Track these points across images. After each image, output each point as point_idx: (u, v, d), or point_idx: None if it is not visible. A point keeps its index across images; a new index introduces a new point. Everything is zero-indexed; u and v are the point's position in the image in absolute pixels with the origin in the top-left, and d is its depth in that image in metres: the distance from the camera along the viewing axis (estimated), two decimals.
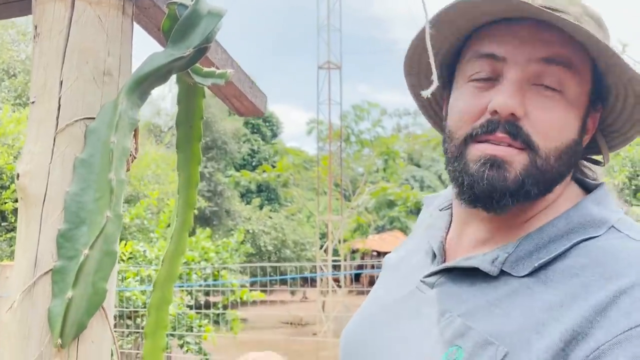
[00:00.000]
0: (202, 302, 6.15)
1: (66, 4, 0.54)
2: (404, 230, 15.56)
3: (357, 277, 20.36)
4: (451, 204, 0.78)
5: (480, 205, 0.64)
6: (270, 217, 19.02)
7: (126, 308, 5.09)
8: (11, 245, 7.46)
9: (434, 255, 0.72)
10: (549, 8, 0.59)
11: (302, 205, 15.39)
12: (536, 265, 0.60)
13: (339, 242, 12.19)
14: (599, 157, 0.74)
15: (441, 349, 0.60)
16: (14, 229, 7.53)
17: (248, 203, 19.22)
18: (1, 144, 7.26)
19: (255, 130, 23.65)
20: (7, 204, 7.10)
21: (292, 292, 20.50)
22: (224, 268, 6.11)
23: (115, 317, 5.24)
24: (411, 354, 0.64)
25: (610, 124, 0.70)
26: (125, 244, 5.65)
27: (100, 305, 0.51)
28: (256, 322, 11.24)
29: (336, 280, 11.88)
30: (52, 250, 0.51)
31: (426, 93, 0.55)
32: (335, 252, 12.15)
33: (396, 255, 0.86)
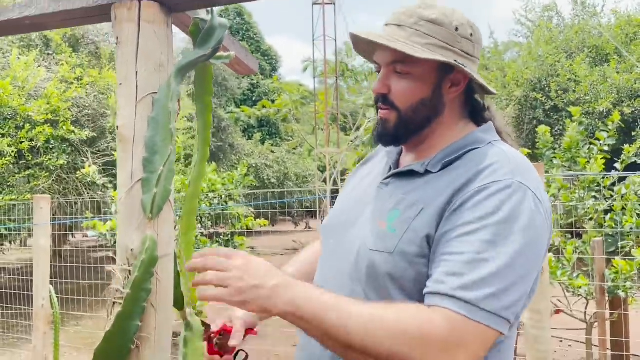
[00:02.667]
0: (211, 232, 6.69)
1: (135, 25, 0.92)
2: None
3: None
4: None
5: (380, 142, 1.14)
6: (273, 152, 19.42)
7: None
8: (29, 182, 7.94)
9: (389, 168, 1.16)
10: (396, 24, 1.05)
11: (303, 139, 15.75)
12: (443, 164, 1.04)
13: (339, 173, 12.65)
14: None
15: (387, 211, 1.04)
16: (30, 167, 7.99)
17: (250, 138, 19.55)
18: (13, 87, 7.57)
19: None
20: (23, 144, 7.52)
21: (295, 223, 21.32)
22: (230, 199, 6.60)
23: None
24: (370, 218, 1.07)
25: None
26: None
27: (168, 197, 0.92)
28: (263, 249, 11.94)
29: None
30: (140, 168, 0.91)
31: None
32: (336, 183, 12.66)
33: (363, 168, 1.31)
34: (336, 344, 0.87)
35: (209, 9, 0.93)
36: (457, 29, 1.04)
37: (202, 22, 0.94)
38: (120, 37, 0.92)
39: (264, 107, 12.67)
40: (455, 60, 1.03)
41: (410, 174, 1.07)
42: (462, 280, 0.86)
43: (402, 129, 1.07)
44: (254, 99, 22.12)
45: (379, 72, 1.10)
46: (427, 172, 1.05)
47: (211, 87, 1.12)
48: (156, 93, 0.92)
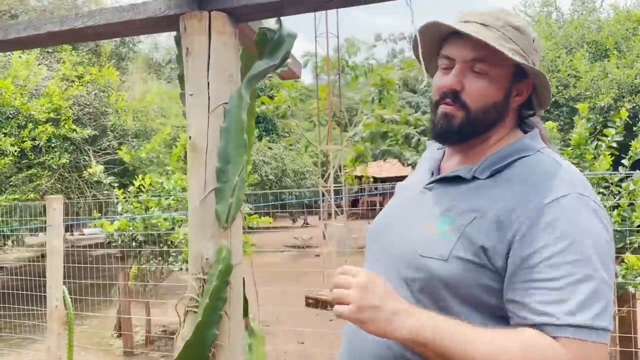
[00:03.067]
0: None
1: (206, 36, 0.93)
2: (399, 157, 16.06)
3: (354, 204, 21.10)
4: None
5: (438, 139, 1.12)
6: (270, 148, 19.39)
7: (155, 232, 5.62)
8: (32, 181, 7.91)
9: (432, 174, 1.16)
10: (481, 23, 1.03)
11: (301, 135, 15.74)
12: (492, 171, 1.03)
13: (339, 169, 12.66)
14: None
15: (437, 216, 1.03)
16: (32, 166, 7.96)
17: None
18: (15, 86, 7.53)
19: None
20: (25, 143, 7.48)
21: (294, 220, 21.31)
22: None
23: (142, 242, 5.78)
24: (417, 224, 1.07)
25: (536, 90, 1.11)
26: (143, 178, 6.09)
27: (240, 207, 0.93)
28: (262, 246, 11.96)
29: (337, 206, 12.47)
30: (213, 178, 0.92)
31: (424, 84, 1.00)
32: (336, 180, 12.67)
33: (406, 181, 1.30)
34: None
35: (279, 18, 0.94)
36: (534, 40, 1.07)
37: (269, 31, 0.95)
38: (191, 48, 0.93)
39: (263, 103, 12.62)
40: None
41: (456, 179, 1.07)
42: (568, 307, 0.87)
43: (469, 129, 1.06)
44: None
45: (445, 68, 1.08)
46: (474, 178, 1.05)
47: (255, 108, 1.12)
48: (227, 103, 0.93)
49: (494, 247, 0.94)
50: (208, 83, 0.92)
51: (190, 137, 0.92)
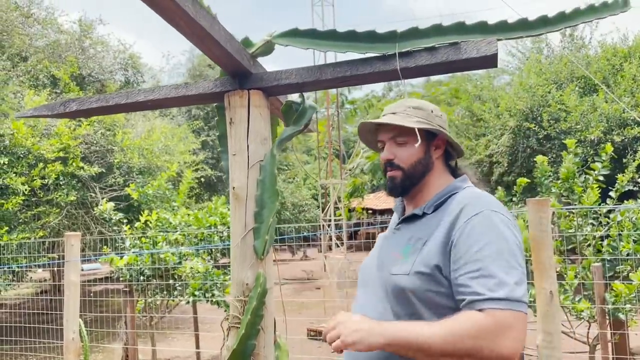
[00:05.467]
0: (220, 263, 6.87)
1: (246, 109, 1.19)
2: None
3: (353, 235, 21.24)
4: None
5: (391, 194, 1.51)
6: None
7: (162, 266, 5.80)
8: (40, 218, 8.11)
9: (399, 218, 1.52)
10: (392, 113, 1.46)
11: (301, 168, 16.02)
12: (434, 206, 1.40)
13: (337, 202, 12.89)
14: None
15: (402, 245, 1.39)
16: (41, 204, 8.17)
17: None
18: (26, 127, 7.81)
19: None
20: (35, 181, 7.71)
21: (292, 252, 21.39)
22: None
23: (149, 276, 5.96)
24: (390, 255, 1.41)
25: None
26: (150, 213, 6.30)
27: (272, 243, 1.17)
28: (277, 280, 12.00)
29: (338, 238, 12.65)
30: (251, 220, 1.16)
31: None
32: (334, 213, 12.89)
33: (386, 232, 1.64)
34: (426, 355, 1.17)
35: (302, 93, 1.20)
36: (432, 111, 1.48)
37: (294, 104, 1.21)
38: (234, 118, 1.19)
39: None
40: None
41: (413, 217, 1.44)
42: (488, 286, 1.18)
43: (407, 182, 1.43)
44: None
45: (381, 147, 1.47)
46: (424, 214, 1.41)
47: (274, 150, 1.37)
48: (262, 161, 1.18)
49: (444, 263, 1.27)
50: (247, 145, 1.18)
51: (233, 188, 1.16)
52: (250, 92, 1.19)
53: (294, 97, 1.28)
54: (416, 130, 1.38)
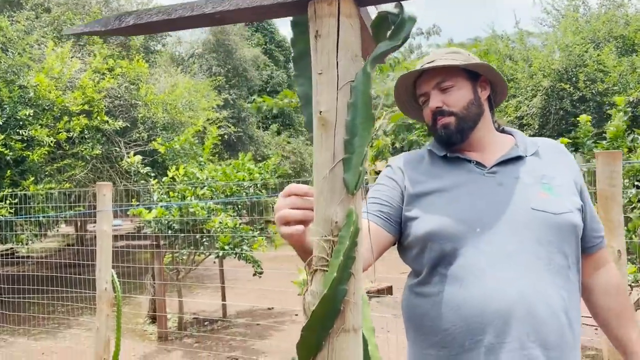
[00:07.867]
0: (247, 220, 6.82)
1: (335, 19, 1.01)
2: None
3: None
4: (446, 154, 1.43)
5: (449, 142, 1.41)
6: (289, 142, 19.51)
7: (191, 219, 5.76)
8: (66, 171, 8.09)
9: (477, 165, 1.37)
10: (430, 61, 1.40)
11: None
12: (533, 152, 1.38)
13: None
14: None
15: (536, 185, 1.32)
16: (66, 157, 8.14)
17: (266, 129, 19.63)
18: (50, 79, 7.71)
19: (268, 56, 23.19)
20: (60, 134, 7.66)
21: None
22: (265, 187, 6.72)
23: (177, 230, 5.92)
24: (520, 195, 1.29)
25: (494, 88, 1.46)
26: (177, 168, 6.23)
27: (363, 179, 1.02)
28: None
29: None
30: (341, 150, 1.01)
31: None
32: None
33: (430, 188, 1.40)
34: None
35: (400, 3, 1.02)
36: (469, 54, 1.43)
37: (390, 15, 1.03)
38: (321, 30, 1.02)
39: (286, 96, 12.70)
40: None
41: (518, 159, 1.36)
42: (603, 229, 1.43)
43: (464, 124, 1.37)
44: (268, 89, 22.11)
45: (425, 102, 1.42)
46: (528, 155, 1.37)
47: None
48: (353, 81, 1.01)
49: (580, 203, 1.34)
50: (337, 62, 1.01)
51: (320, 112, 1.00)
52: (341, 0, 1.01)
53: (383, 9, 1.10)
54: (460, 68, 1.36)
